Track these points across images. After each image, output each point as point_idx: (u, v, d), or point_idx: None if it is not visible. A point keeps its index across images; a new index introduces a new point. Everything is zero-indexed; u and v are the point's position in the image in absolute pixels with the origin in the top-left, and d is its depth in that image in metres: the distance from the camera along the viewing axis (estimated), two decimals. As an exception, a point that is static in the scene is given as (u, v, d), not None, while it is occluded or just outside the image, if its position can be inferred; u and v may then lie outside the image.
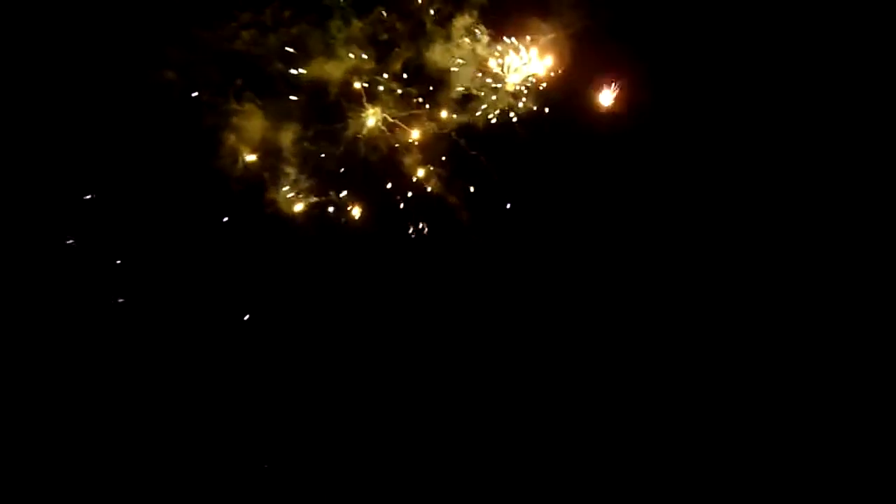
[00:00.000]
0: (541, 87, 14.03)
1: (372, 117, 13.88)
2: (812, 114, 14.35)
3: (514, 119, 13.95)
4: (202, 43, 13.03)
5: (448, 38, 13.54)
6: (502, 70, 13.88)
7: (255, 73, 13.38)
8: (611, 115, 14.26)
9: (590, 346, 14.55)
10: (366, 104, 13.87)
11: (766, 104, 14.45)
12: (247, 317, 13.86)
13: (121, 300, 13.32)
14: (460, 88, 13.76)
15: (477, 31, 13.62)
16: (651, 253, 14.55)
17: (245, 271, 13.98)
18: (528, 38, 13.92)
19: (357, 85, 13.78)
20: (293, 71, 13.52)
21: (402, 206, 14.20)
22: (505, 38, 13.84)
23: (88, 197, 13.08)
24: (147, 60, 12.91)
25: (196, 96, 13.16)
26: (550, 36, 13.90)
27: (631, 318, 14.59)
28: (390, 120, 13.91)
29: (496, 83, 13.81)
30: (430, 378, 14.45)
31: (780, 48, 14.31)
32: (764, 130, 14.51)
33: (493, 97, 13.84)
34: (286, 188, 13.87)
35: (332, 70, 13.60)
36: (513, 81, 13.91)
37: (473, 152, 14.05)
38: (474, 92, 13.74)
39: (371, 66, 13.73)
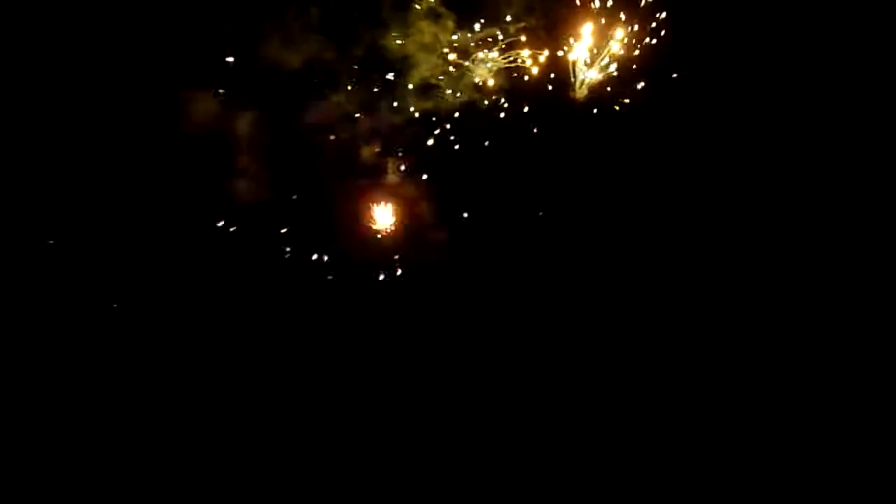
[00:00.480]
0: (510, 80, 13.20)
1: (333, 107, 13.18)
2: (809, 112, 13.68)
3: (478, 112, 13.15)
4: (147, 28, 12.38)
5: (408, 23, 12.74)
6: (468, 59, 13.04)
7: (206, 62, 12.73)
8: (586, 112, 13.46)
9: (572, 348, 13.96)
10: (326, 93, 13.19)
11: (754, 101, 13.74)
12: (199, 314, 13.32)
13: (68, 297, 12.87)
14: (420, 78, 12.96)
15: (440, 15, 12.79)
16: (618, 255, 13.93)
17: (200, 267, 13.44)
18: (498, 25, 13.08)
19: (316, 74, 13.07)
20: (247, 60, 12.85)
21: (366, 200, 13.57)
22: (473, 24, 13.01)
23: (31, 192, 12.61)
24: (86, 49, 12.33)
25: (142, 85, 12.54)
26: (521, 25, 13.04)
27: (613, 320, 13.99)
28: (352, 110, 13.19)
29: (459, 73, 12.98)
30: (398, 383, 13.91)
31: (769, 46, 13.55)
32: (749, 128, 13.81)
33: (456, 88, 13.02)
34: (243, 181, 13.23)
35: (288, 58, 12.89)
36: (480, 73, 13.07)
37: (437, 145, 13.29)
38: (434, 82, 12.92)
39: (330, 54, 12.99)
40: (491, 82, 13.20)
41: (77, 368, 12.99)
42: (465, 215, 13.61)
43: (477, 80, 13.14)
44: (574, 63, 13.47)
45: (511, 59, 13.19)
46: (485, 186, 13.50)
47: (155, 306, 13.24)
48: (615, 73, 13.54)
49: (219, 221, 13.30)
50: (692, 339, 13.68)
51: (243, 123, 13.05)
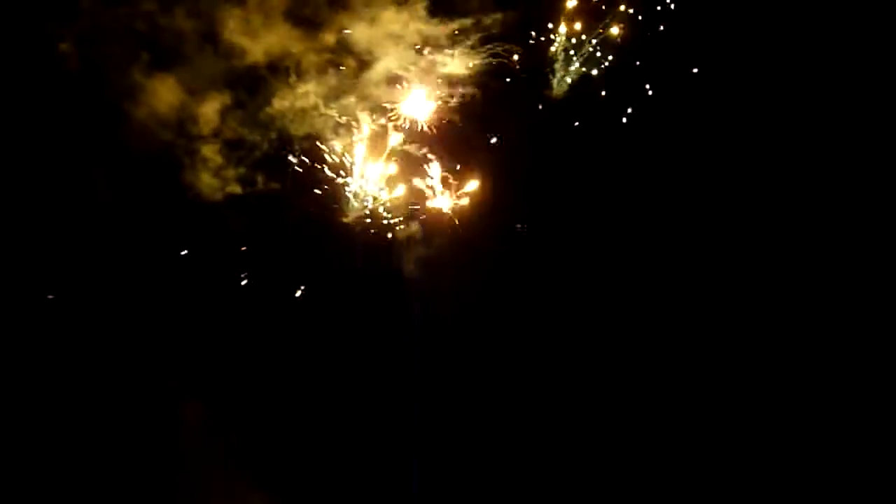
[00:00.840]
0: (482, 73, 12.55)
1: (302, 98, 12.60)
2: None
3: (450, 107, 12.52)
4: (101, 14, 11.89)
5: (376, 10, 12.16)
6: (439, 51, 12.43)
7: (166, 50, 12.19)
8: (562, 112, 12.81)
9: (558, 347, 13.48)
10: (294, 84, 12.59)
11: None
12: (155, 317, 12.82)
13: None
14: (386, 69, 12.34)
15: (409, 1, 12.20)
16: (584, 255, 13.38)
17: (161, 265, 12.92)
18: (472, 15, 12.44)
19: (284, 63, 12.52)
20: (211, 47, 12.33)
21: (336, 195, 13.01)
22: (445, 14, 12.37)
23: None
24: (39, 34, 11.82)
25: (97, 73, 12.04)
26: (497, 16, 12.38)
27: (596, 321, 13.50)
28: (321, 101, 12.61)
29: (429, 65, 12.36)
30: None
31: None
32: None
33: (425, 81, 12.38)
34: (209, 175, 12.71)
35: (254, 47, 12.35)
36: (451, 66, 12.45)
37: (408, 139, 12.73)
38: (401, 73, 12.31)
39: (298, 43, 12.44)
40: (462, 75, 12.57)
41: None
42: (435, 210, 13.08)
43: (448, 72, 12.51)
44: (553, 55, 12.85)
45: (485, 51, 12.56)
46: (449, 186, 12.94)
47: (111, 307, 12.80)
48: (605, 67, 12.89)
49: (182, 218, 12.78)
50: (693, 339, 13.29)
51: (207, 113, 12.54)
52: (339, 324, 13.22)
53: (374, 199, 12.90)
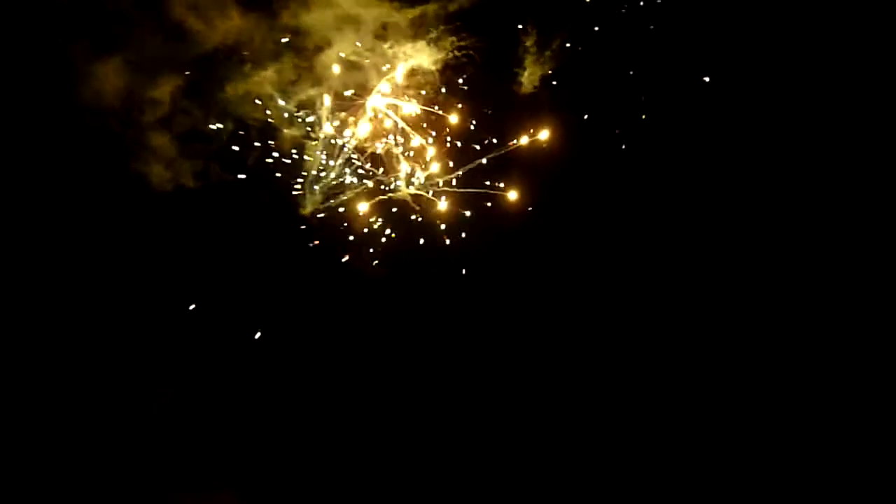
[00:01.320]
0: (447, 70, 12.06)
1: (256, 85, 12.12)
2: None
3: (414, 99, 12.00)
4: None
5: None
6: (399, 39, 11.89)
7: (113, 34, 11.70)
8: (527, 109, 12.27)
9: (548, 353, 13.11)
10: (249, 71, 12.13)
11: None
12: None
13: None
14: (347, 59, 11.83)
15: None
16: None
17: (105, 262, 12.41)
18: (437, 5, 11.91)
19: (238, 49, 12.04)
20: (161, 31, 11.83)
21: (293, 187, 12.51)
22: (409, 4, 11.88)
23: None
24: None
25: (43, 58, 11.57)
26: (464, 2, 11.85)
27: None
28: (275, 92, 12.12)
29: (387, 53, 11.82)
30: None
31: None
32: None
33: (382, 69, 11.85)
34: (161, 168, 12.16)
35: (207, 32, 11.86)
36: (411, 55, 11.90)
37: (369, 132, 12.19)
38: (355, 60, 11.76)
39: (254, 28, 11.93)
40: (426, 69, 12.03)
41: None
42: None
43: (411, 65, 11.96)
44: (524, 47, 12.28)
45: (450, 44, 12.00)
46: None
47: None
48: (575, 64, 12.31)
49: (128, 214, 12.24)
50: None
51: (157, 99, 12.01)
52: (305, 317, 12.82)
53: (335, 190, 12.48)
